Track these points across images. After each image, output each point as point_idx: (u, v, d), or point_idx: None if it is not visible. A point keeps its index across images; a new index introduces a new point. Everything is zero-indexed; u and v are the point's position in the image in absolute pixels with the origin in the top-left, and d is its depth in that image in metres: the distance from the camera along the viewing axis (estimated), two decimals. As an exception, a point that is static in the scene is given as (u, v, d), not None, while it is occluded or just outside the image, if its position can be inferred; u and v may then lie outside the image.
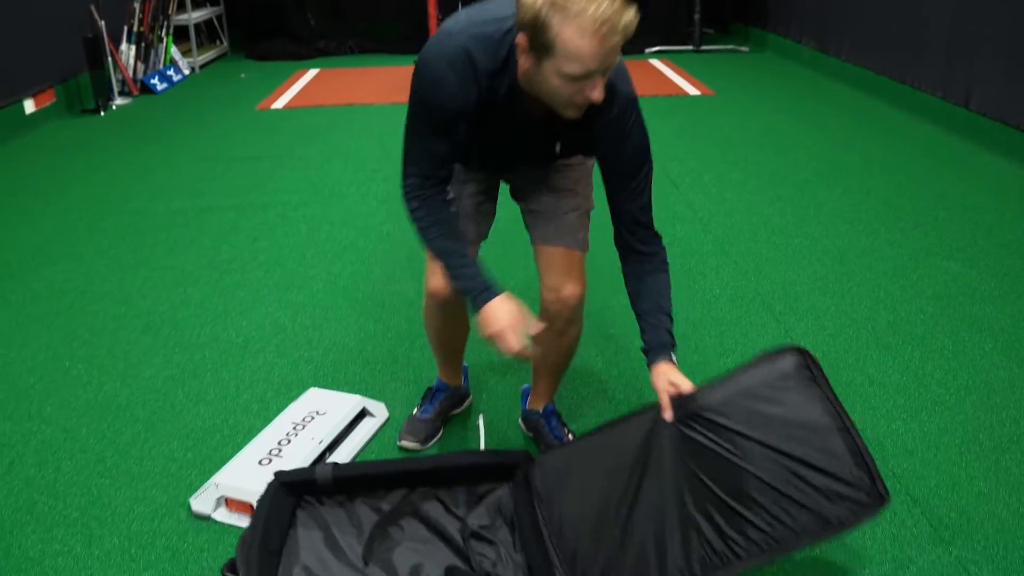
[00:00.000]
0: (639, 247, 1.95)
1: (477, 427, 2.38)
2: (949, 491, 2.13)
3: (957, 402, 2.51)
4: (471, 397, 2.54)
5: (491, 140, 1.86)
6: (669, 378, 1.81)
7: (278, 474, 1.96)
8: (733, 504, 1.67)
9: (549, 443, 2.25)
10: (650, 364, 1.87)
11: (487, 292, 1.81)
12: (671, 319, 1.92)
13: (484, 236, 2.16)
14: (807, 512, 1.64)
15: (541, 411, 2.31)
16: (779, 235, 3.72)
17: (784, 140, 5.20)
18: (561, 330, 2.11)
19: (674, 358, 1.88)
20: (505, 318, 1.77)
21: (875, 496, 1.65)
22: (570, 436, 2.27)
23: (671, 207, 4.07)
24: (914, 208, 4.04)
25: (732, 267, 3.40)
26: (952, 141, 5.15)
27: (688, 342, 2.83)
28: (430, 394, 2.41)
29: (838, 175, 4.52)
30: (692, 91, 6.58)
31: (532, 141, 1.86)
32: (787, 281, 3.28)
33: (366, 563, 1.82)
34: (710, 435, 1.74)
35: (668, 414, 1.79)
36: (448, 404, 2.42)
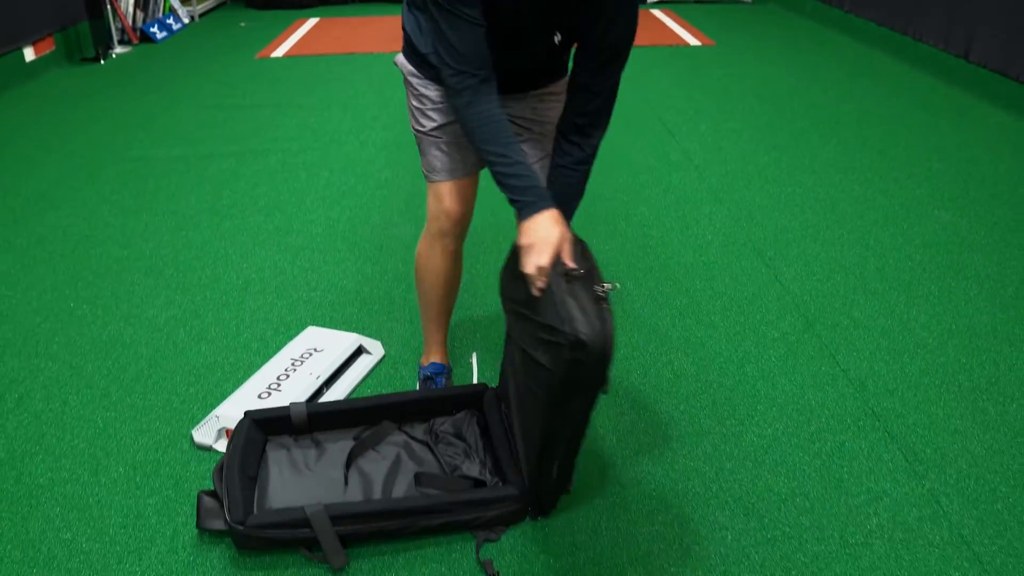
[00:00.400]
0: (575, 140, 1.87)
1: (471, 364, 2.46)
2: (926, 429, 2.20)
3: (939, 345, 2.57)
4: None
5: (497, 26, 1.71)
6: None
7: (248, 412, 2.04)
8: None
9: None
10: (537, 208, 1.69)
11: (540, 202, 1.64)
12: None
13: (479, 166, 2.06)
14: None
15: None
16: (773, 184, 3.76)
17: (783, 91, 5.21)
18: None
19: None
20: (549, 236, 1.61)
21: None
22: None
23: (667, 155, 4.10)
24: (909, 158, 4.07)
25: (725, 214, 3.45)
26: (952, 93, 5.16)
27: (679, 285, 2.89)
28: (428, 382, 2.30)
29: (835, 126, 4.54)
30: (693, 41, 6.56)
31: (534, 25, 1.75)
32: (779, 228, 3.32)
33: (346, 481, 1.91)
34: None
35: (546, 258, 1.66)
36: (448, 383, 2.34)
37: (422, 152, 2.04)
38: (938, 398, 2.32)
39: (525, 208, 1.65)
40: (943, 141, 4.30)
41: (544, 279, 1.60)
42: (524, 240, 1.63)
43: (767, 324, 2.67)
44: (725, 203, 3.56)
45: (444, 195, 2.05)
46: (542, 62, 1.93)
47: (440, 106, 1.95)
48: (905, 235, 3.26)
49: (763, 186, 3.74)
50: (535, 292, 1.61)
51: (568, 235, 1.65)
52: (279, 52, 6.51)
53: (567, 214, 1.85)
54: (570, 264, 1.61)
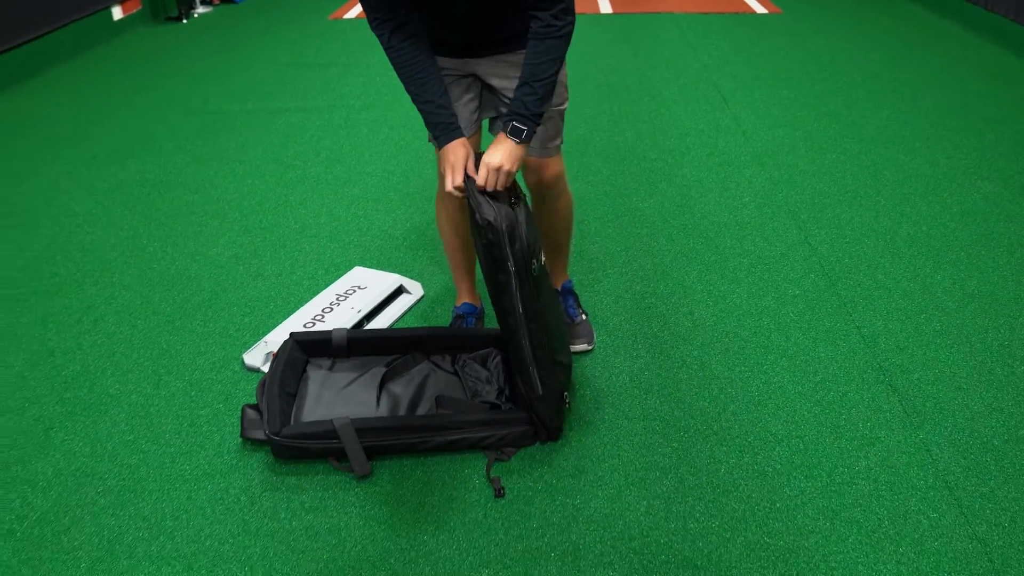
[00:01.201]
0: (534, 13, 1.91)
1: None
2: (930, 385, 2.30)
3: (958, 308, 2.64)
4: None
5: None
6: (493, 156, 1.89)
7: (293, 334, 2.25)
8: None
9: (564, 321, 2.46)
10: (504, 126, 1.93)
11: (449, 133, 1.95)
12: (536, 93, 1.90)
13: (473, 130, 2.19)
14: None
15: (559, 289, 2.52)
16: (817, 150, 3.82)
17: (843, 59, 5.21)
18: (551, 206, 2.30)
19: (520, 134, 1.91)
20: (458, 160, 1.93)
21: None
22: (583, 316, 2.49)
23: (717, 120, 4.18)
24: (961, 129, 4.07)
25: (766, 177, 3.53)
26: (1019, 65, 5.08)
27: (710, 242, 3.01)
28: (460, 321, 2.48)
29: (890, 95, 4.55)
30: (759, 9, 6.55)
31: None
32: (817, 193, 3.40)
33: (377, 401, 2.11)
34: None
35: (458, 177, 1.93)
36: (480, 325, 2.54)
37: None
38: (947, 357, 2.41)
39: (439, 140, 1.97)
40: (1000, 112, 4.28)
41: (459, 191, 1.93)
42: (441, 166, 1.98)
43: (790, 282, 2.77)
44: (767, 167, 3.64)
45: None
46: (473, 22, 1.98)
47: None
48: (943, 203, 3.31)
49: (807, 152, 3.80)
50: (447, 185, 1.95)
51: (471, 153, 1.96)
52: (351, 14, 6.72)
53: (544, 79, 1.89)
54: (471, 174, 1.93)
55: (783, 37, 5.75)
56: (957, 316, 2.60)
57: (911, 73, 4.92)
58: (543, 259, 2.00)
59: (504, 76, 2.08)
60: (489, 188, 1.89)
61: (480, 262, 1.93)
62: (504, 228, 1.82)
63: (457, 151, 1.95)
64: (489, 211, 1.83)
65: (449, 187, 1.94)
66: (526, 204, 1.97)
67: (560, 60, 1.91)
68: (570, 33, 1.91)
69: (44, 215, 3.36)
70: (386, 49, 1.96)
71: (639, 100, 4.49)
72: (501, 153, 1.89)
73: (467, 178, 1.93)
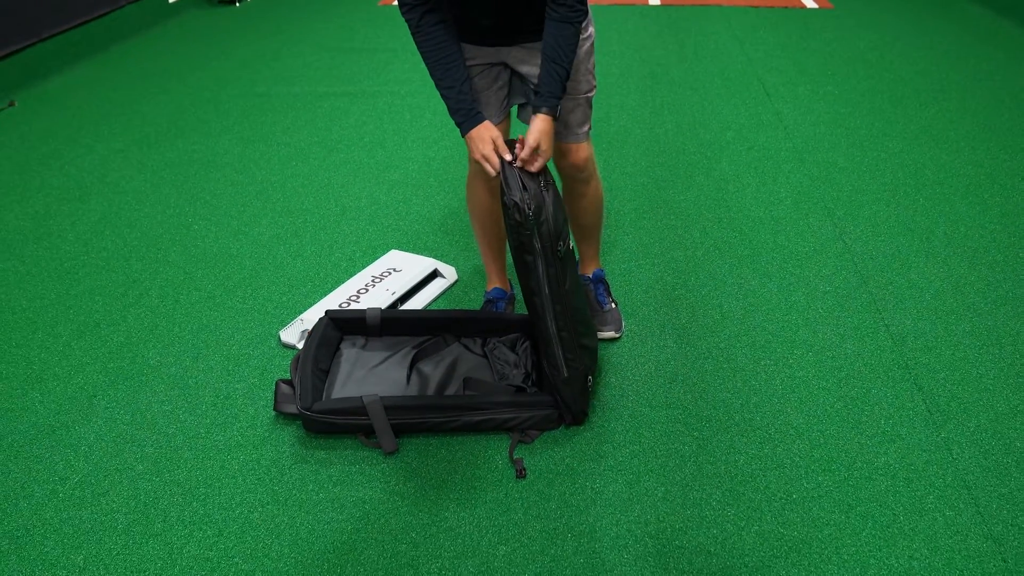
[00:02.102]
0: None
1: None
2: (956, 385, 2.30)
3: (991, 310, 2.63)
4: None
5: None
6: (531, 136, 1.96)
7: (328, 311, 2.32)
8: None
9: (594, 307, 2.51)
10: (534, 108, 2.00)
11: (472, 119, 2.01)
12: (566, 72, 1.99)
13: (502, 116, 2.24)
14: None
15: (590, 276, 2.56)
16: (859, 148, 3.80)
17: (892, 57, 5.15)
18: (581, 190, 2.34)
19: (556, 109, 2.00)
20: (487, 145, 1.98)
21: None
22: (613, 305, 2.52)
23: (759, 115, 4.18)
24: (1009, 130, 4.02)
25: (804, 174, 3.53)
26: (1072, 65, 4.99)
27: (744, 236, 3.02)
28: (490, 305, 2.53)
29: (938, 93, 4.49)
30: (809, 3, 6.49)
31: None
32: (855, 190, 3.39)
33: (408, 380, 2.17)
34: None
35: (507, 156, 1.99)
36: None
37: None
38: (976, 358, 2.41)
39: (463, 125, 2.02)
40: (1050, 114, 4.21)
41: (489, 164, 1.98)
42: (476, 155, 2.01)
43: (821, 278, 2.78)
44: (806, 163, 3.63)
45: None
46: (503, 4, 2.02)
47: None
48: (984, 204, 3.28)
49: (848, 149, 3.78)
50: (489, 173, 2.00)
51: (498, 134, 2.01)
52: (401, 0, 6.79)
53: (567, 60, 1.97)
54: (506, 156, 1.98)
55: (832, 33, 5.70)
56: (989, 318, 2.59)
57: (961, 72, 4.85)
58: (571, 243, 2.04)
59: (534, 64, 2.13)
60: (530, 168, 1.95)
61: (509, 243, 1.98)
62: (531, 208, 1.87)
63: (483, 135, 2.00)
64: (517, 191, 1.88)
65: (492, 172, 1.99)
66: (555, 188, 2.02)
67: (576, 45, 1.99)
68: (582, 23, 1.98)
69: (96, 192, 3.48)
70: (415, 33, 2.02)
71: (682, 92, 4.50)
72: (537, 132, 1.96)
73: (502, 161, 1.99)
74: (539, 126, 1.97)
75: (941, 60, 5.08)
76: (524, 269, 1.93)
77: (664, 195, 3.33)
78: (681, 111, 4.22)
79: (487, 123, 2.02)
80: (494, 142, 2.00)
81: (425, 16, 1.99)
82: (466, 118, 2.02)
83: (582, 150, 2.24)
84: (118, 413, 2.22)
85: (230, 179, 3.56)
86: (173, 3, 6.20)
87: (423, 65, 5.03)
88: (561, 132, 2.21)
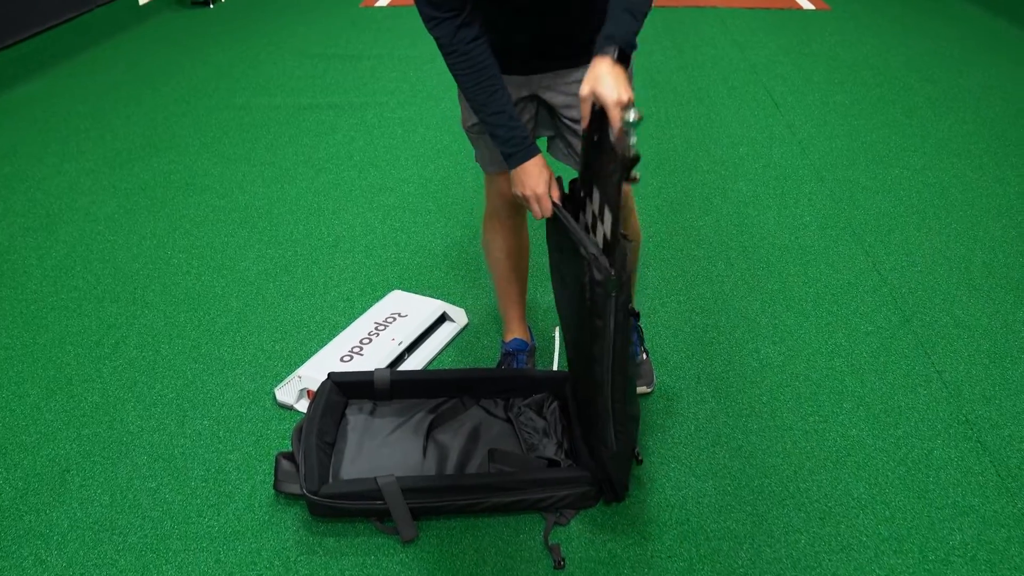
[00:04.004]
0: None
1: (553, 339, 2.45)
2: (1023, 442, 2.10)
3: (1046, 350, 2.44)
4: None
5: None
6: (595, 84, 1.53)
7: (331, 374, 2.07)
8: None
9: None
10: (595, 54, 1.58)
11: (526, 150, 1.74)
12: (637, 21, 1.61)
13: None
14: None
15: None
16: (879, 164, 3.60)
17: (898, 62, 4.96)
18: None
19: (614, 52, 1.58)
20: (541, 183, 1.75)
21: None
22: (645, 355, 2.29)
23: (770, 128, 3.96)
24: (1030, 143, 3.84)
25: (826, 194, 3.32)
26: (1083, 71, 4.83)
27: (772, 269, 2.81)
28: (509, 359, 2.28)
29: (952, 103, 4.31)
30: (806, 5, 6.30)
31: None
32: (881, 212, 3.19)
33: (424, 452, 1.93)
34: None
35: (557, 196, 1.77)
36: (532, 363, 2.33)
37: (473, 145, 2.04)
38: (1039, 409, 2.21)
39: (512, 158, 1.75)
40: (1070, 125, 4.04)
41: (540, 206, 1.76)
42: (523, 191, 1.77)
43: (861, 316, 2.57)
44: (827, 182, 3.42)
45: (497, 181, 2.05)
46: (542, 18, 1.78)
47: None
48: (1019, 227, 3.09)
49: (868, 166, 3.58)
50: (537, 214, 1.78)
51: (552, 174, 1.78)
52: (383, 1, 6.51)
53: (641, 10, 1.62)
54: (556, 196, 1.77)
55: (833, 36, 5.50)
56: (1046, 361, 2.40)
57: (971, 79, 4.67)
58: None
59: (567, 93, 1.88)
60: (617, 127, 1.53)
61: (570, 301, 1.73)
62: (613, 276, 1.57)
63: (535, 173, 1.75)
64: (591, 244, 1.61)
65: (544, 213, 1.76)
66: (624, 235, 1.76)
67: (651, 3, 1.67)
68: None
69: (65, 219, 3.20)
70: (448, 54, 1.71)
71: (687, 103, 4.28)
72: (610, 81, 1.50)
73: (555, 205, 1.75)
74: (614, 75, 1.50)
75: (947, 66, 4.90)
76: (591, 334, 1.66)
77: (681, 220, 3.11)
78: (689, 124, 4.00)
79: (541, 158, 1.76)
80: (548, 182, 1.75)
81: (459, 32, 1.68)
82: (518, 148, 1.74)
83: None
84: (95, 492, 1.96)
85: (211, 204, 3.29)
86: (144, 5, 5.88)
87: (411, 73, 4.78)
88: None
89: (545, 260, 2.82)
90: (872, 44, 5.33)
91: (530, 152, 1.75)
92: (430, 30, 1.70)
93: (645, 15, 1.63)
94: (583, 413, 1.82)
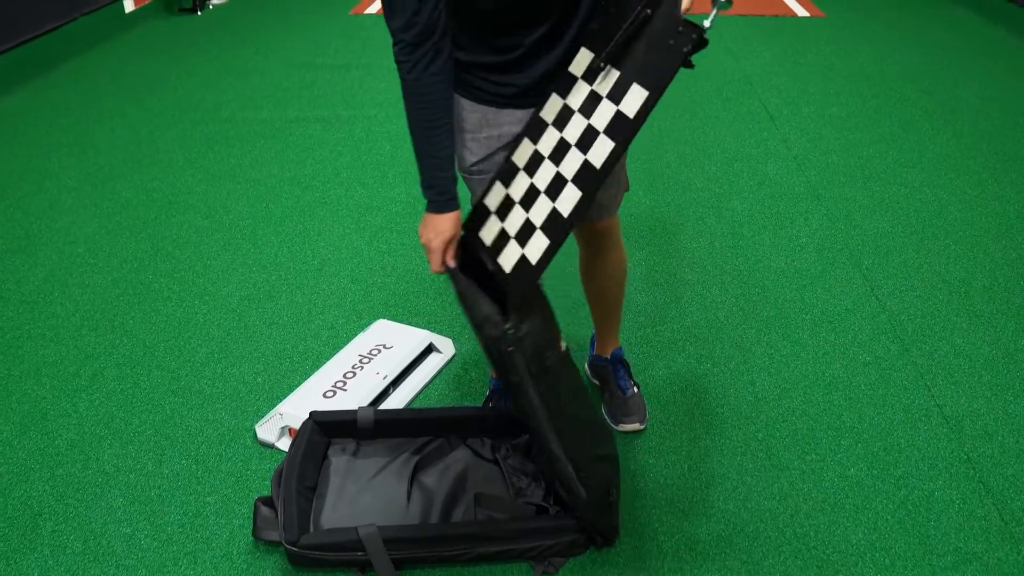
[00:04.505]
0: None
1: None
2: (1026, 480, 2.04)
3: (1048, 381, 2.38)
4: None
5: None
6: None
7: (313, 414, 2.00)
8: None
9: (614, 393, 2.21)
10: None
11: (447, 202, 1.66)
12: None
13: None
14: None
15: (608, 357, 2.26)
16: (876, 181, 3.54)
17: (894, 72, 4.90)
18: (602, 262, 2.05)
19: None
20: (439, 240, 1.66)
21: None
22: (635, 389, 2.23)
23: (765, 142, 3.90)
24: (1028, 158, 3.78)
25: (823, 213, 3.26)
26: (1081, 82, 4.78)
27: (767, 294, 2.74)
28: (497, 396, 2.21)
29: (949, 115, 4.25)
30: (800, 12, 6.23)
31: None
32: (879, 233, 3.12)
33: (408, 496, 1.87)
34: None
35: (452, 263, 1.70)
36: None
37: (469, 188, 1.87)
38: (1042, 445, 2.15)
39: (434, 203, 1.66)
40: (1069, 139, 3.99)
41: (431, 260, 1.69)
42: (424, 239, 1.69)
43: (859, 345, 2.51)
44: (824, 201, 3.36)
45: None
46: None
47: (479, 136, 1.77)
48: (1019, 249, 3.03)
49: (865, 183, 3.52)
50: (431, 267, 1.70)
51: (459, 234, 1.70)
52: (373, 8, 6.43)
53: None
54: (451, 263, 1.69)
55: (828, 45, 5.44)
56: (1048, 393, 2.33)
57: (968, 90, 4.61)
58: (563, 346, 1.72)
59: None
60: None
61: (487, 359, 1.66)
62: (508, 328, 1.52)
63: (442, 229, 1.67)
64: (488, 306, 1.55)
65: (433, 269, 1.69)
66: (540, 288, 1.70)
67: None
68: None
69: (44, 240, 3.12)
70: (411, 83, 1.56)
71: (680, 116, 4.21)
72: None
73: (452, 270, 1.68)
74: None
75: (943, 76, 4.84)
76: (511, 390, 1.61)
77: (675, 241, 3.04)
78: (682, 139, 3.94)
79: (457, 215, 1.67)
80: (452, 239, 1.68)
81: (431, 62, 1.54)
82: (438, 197, 1.65)
83: (609, 219, 1.95)
84: (69, 538, 1.88)
85: (194, 224, 3.22)
86: (130, 12, 5.79)
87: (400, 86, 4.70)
88: (598, 213, 1.91)
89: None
90: (868, 53, 5.27)
91: (450, 206, 1.66)
92: (397, 55, 1.55)
93: None
94: (549, 468, 1.75)
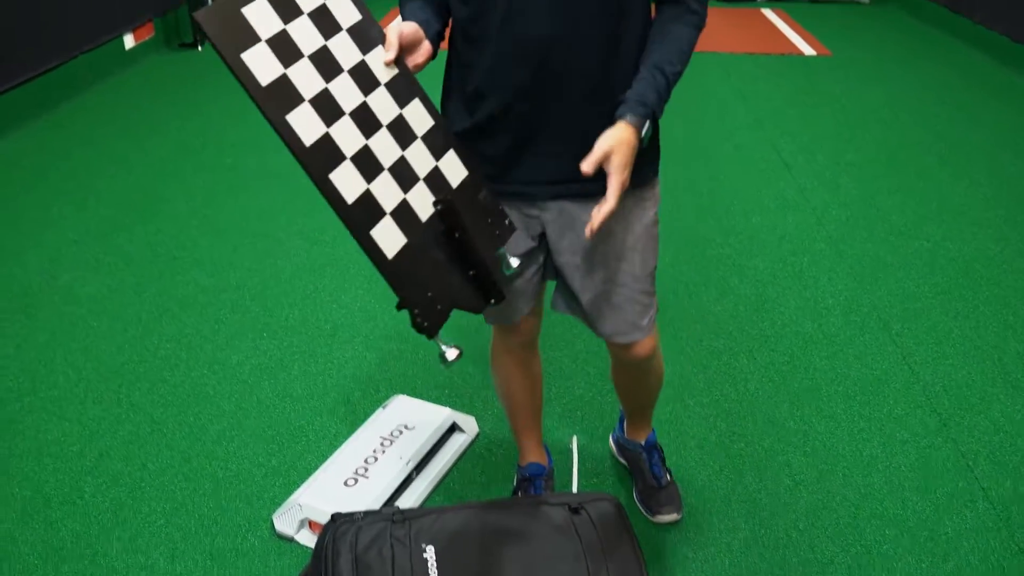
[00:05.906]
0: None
1: (570, 450, 2.28)
2: (1082, 575, 1.95)
3: (1093, 461, 2.29)
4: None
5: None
6: (602, 143, 1.46)
7: (335, 516, 1.89)
8: None
9: (648, 482, 2.11)
10: (616, 116, 1.50)
11: (414, 12, 1.60)
12: (668, 81, 1.51)
13: (533, 302, 1.82)
14: None
15: (643, 444, 2.16)
16: (897, 235, 3.46)
17: (906, 114, 4.85)
18: (640, 380, 1.95)
19: (642, 124, 1.50)
20: (394, 32, 1.51)
21: None
22: (669, 476, 2.13)
23: (782, 193, 3.83)
24: (1050, 209, 3.72)
25: (847, 272, 3.18)
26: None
27: (796, 362, 2.66)
28: (527, 484, 2.10)
29: (965, 161, 4.19)
30: (807, 50, 6.19)
31: None
32: (906, 294, 3.04)
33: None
34: None
35: (392, 53, 1.52)
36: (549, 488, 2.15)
37: None
38: (1094, 534, 2.06)
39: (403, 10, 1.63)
40: (1088, 189, 3.93)
41: (387, 43, 1.55)
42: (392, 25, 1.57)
43: (895, 420, 2.42)
44: (846, 258, 3.28)
45: (501, 331, 1.91)
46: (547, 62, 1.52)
47: None
48: (1049, 311, 2.96)
49: (887, 237, 3.44)
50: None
51: (424, 39, 1.58)
52: (375, 43, 6.36)
53: (672, 71, 1.52)
54: (391, 53, 1.54)
55: (836, 85, 5.39)
56: (1095, 474, 2.25)
57: (983, 133, 4.55)
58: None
59: (574, 251, 1.67)
60: (605, 203, 1.45)
61: None
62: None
63: (410, 26, 1.54)
64: None
65: (387, 56, 1.51)
66: None
67: (689, 57, 1.54)
68: (701, 29, 1.56)
69: (45, 300, 3.01)
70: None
71: (692, 163, 4.14)
72: (611, 139, 1.46)
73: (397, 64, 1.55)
74: (616, 133, 1.46)
75: (957, 118, 4.79)
76: None
77: (697, 305, 2.95)
78: (697, 190, 3.86)
79: (419, 28, 1.55)
80: (414, 38, 1.53)
81: None
82: (409, 12, 1.60)
83: (647, 344, 1.78)
84: (75, 648, 1.77)
85: (200, 283, 3.12)
86: (130, 49, 5.70)
87: None
88: (622, 331, 1.74)
89: (553, 369, 2.66)
90: (877, 94, 5.21)
91: (417, 14, 1.60)
92: None
93: (672, 76, 1.51)
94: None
